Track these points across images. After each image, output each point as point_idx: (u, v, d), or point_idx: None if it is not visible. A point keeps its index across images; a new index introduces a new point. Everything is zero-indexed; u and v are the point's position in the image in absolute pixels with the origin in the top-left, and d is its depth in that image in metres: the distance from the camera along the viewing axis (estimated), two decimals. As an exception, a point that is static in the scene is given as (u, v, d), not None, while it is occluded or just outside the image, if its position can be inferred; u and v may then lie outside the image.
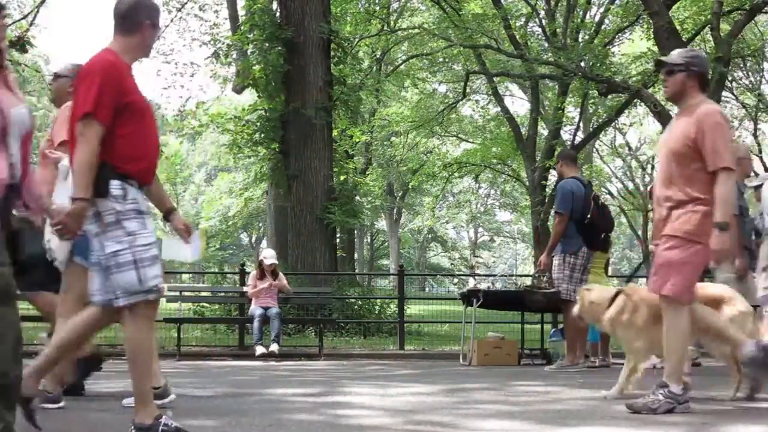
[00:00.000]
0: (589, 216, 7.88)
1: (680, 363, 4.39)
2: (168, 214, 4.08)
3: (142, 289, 3.40)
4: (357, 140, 20.31)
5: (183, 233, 4.12)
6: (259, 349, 9.54)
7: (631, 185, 36.34)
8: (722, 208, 4.25)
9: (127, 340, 3.48)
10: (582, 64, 16.77)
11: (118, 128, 3.44)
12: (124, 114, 3.46)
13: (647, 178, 35.09)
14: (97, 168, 3.37)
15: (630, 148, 35.34)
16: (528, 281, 10.83)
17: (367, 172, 28.20)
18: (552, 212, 8.37)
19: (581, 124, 24.05)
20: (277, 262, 10.30)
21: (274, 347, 9.59)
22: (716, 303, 4.92)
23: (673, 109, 25.53)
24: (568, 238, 7.86)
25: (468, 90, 23.28)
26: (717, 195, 4.27)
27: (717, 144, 4.28)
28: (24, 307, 13.80)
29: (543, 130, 24.82)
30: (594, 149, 31.33)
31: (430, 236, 51.86)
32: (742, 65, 24.14)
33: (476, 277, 18.99)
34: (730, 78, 22.27)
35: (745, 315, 4.95)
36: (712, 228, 4.25)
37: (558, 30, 19.79)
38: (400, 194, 38.62)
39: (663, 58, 4.80)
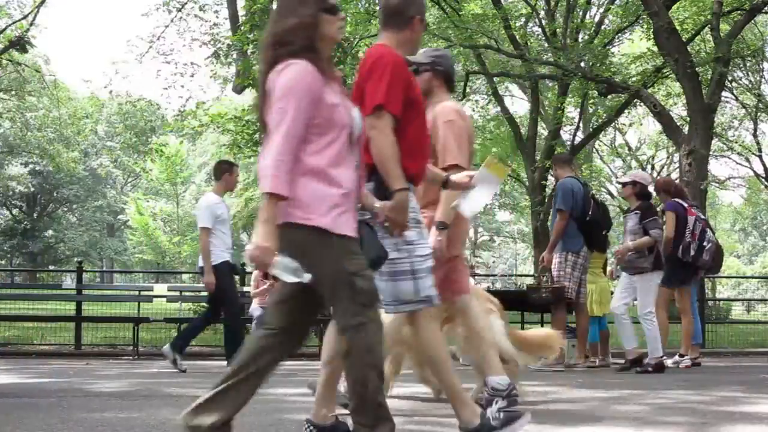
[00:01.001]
0: (590, 214, 7.91)
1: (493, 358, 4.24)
2: (445, 183, 3.89)
3: (415, 299, 3.37)
4: (357, 140, 20.31)
5: (469, 184, 3.84)
6: None
7: (631, 185, 36.33)
8: (442, 208, 4.14)
9: (419, 344, 3.52)
10: (582, 64, 16.78)
11: (402, 124, 3.34)
12: (409, 110, 3.38)
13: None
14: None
15: (630, 148, 35.33)
16: (528, 281, 10.83)
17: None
18: (551, 211, 8.38)
19: (581, 124, 24.05)
20: None
21: None
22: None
23: (674, 109, 25.41)
24: (570, 237, 7.87)
25: (468, 90, 23.25)
26: (442, 194, 4.17)
27: (446, 141, 4.19)
28: (27, 307, 13.57)
29: (543, 130, 24.81)
30: (594, 149, 31.33)
31: (430, 236, 51.81)
32: (742, 65, 24.15)
33: (476, 277, 18.98)
34: (730, 78, 22.28)
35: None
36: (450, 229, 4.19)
37: (558, 30, 19.78)
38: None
39: (408, 58, 4.78)
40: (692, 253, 7.98)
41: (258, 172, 2.86)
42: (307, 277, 2.85)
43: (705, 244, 8.01)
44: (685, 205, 8.20)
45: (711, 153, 17.78)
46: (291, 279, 2.84)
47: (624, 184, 7.99)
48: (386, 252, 3.15)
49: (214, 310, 8.01)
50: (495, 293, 9.50)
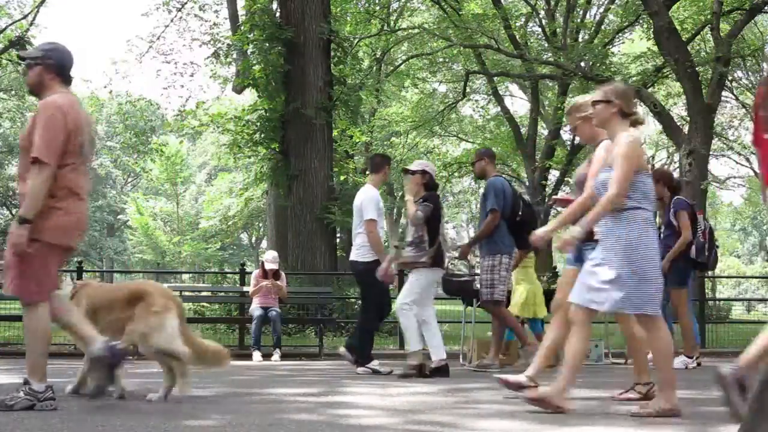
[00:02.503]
0: (520, 214, 7.87)
1: (40, 360, 4.30)
2: None
3: None
4: (357, 140, 20.31)
5: None
6: (256, 356, 9.38)
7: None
8: (27, 201, 4.19)
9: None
10: (582, 64, 16.79)
11: None
12: None
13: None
14: None
15: (630, 148, 35.31)
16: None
17: (367, 172, 28.20)
18: (480, 211, 8.28)
19: (581, 124, 24.04)
20: (276, 266, 10.18)
21: (276, 356, 9.52)
22: (135, 299, 4.86)
23: (674, 109, 25.36)
24: (502, 237, 7.75)
25: (468, 90, 23.26)
26: (28, 188, 4.22)
27: (39, 135, 4.25)
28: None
29: (543, 130, 24.82)
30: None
31: (430, 236, 51.79)
32: (742, 65, 24.15)
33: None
34: (730, 78, 22.28)
35: (158, 314, 4.80)
36: (57, 223, 4.24)
37: (558, 30, 19.80)
38: (400, 194, 38.62)
39: (20, 53, 4.88)
40: (706, 253, 7.97)
41: None
42: None
43: (716, 243, 8.10)
44: (692, 204, 8.24)
45: (711, 153, 17.80)
46: None
47: (414, 173, 7.35)
48: None
49: (379, 307, 7.76)
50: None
